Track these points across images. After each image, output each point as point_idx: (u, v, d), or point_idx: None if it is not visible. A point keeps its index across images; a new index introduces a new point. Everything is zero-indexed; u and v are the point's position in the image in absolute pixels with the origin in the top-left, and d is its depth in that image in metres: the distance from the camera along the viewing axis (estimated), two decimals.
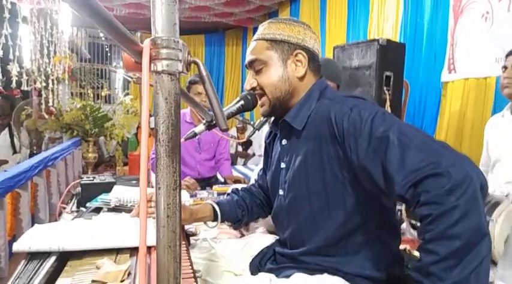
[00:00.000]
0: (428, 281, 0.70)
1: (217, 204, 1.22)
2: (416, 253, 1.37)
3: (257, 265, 1.15)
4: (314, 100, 1.02)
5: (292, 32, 1.03)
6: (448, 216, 0.68)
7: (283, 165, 1.08)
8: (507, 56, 1.82)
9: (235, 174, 2.89)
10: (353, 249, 0.97)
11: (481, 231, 0.68)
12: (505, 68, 1.81)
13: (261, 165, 1.37)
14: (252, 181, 1.91)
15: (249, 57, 1.06)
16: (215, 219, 1.20)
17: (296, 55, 1.02)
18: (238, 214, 1.24)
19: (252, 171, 3.67)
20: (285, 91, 1.03)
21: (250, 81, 1.06)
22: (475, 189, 0.69)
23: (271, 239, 1.26)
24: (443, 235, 0.69)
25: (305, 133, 1.00)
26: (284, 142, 1.08)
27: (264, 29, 1.06)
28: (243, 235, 1.52)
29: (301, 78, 1.04)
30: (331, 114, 0.93)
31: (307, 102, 1.02)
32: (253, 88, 1.06)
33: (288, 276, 1.00)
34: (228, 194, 1.33)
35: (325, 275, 0.97)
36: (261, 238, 1.30)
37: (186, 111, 2.57)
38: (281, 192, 1.08)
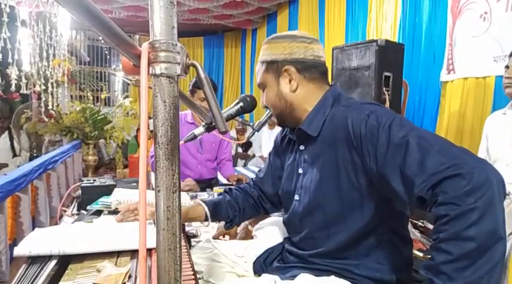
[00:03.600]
0: (438, 279, 0.70)
1: (205, 203, 1.22)
2: (418, 253, 1.37)
3: (261, 265, 1.15)
4: (328, 106, 1.03)
5: (277, 50, 1.06)
6: (465, 217, 0.68)
7: (300, 171, 1.09)
8: (510, 55, 1.80)
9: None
10: (364, 252, 0.98)
11: (496, 235, 0.68)
12: (507, 67, 1.80)
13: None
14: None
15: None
16: (206, 219, 1.21)
17: (285, 71, 1.05)
18: (229, 214, 1.25)
19: (252, 172, 3.67)
20: (283, 107, 1.08)
21: (262, 100, 1.14)
22: (494, 192, 0.69)
23: (276, 239, 1.25)
24: (458, 236, 0.69)
25: (321, 139, 1.01)
26: (302, 148, 1.09)
27: (261, 50, 1.12)
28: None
29: (295, 91, 1.06)
30: (348, 120, 0.93)
31: (321, 108, 1.03)
32: (266, 107, 1.14)
33: (293, 277, 1.00)
34: (220, 194, 1.32)
35: (332, 277, 0.97)
36: (265, 238, 1.30)
37: (188, 111, 2.57)
38: (297, 197, 1.09)
